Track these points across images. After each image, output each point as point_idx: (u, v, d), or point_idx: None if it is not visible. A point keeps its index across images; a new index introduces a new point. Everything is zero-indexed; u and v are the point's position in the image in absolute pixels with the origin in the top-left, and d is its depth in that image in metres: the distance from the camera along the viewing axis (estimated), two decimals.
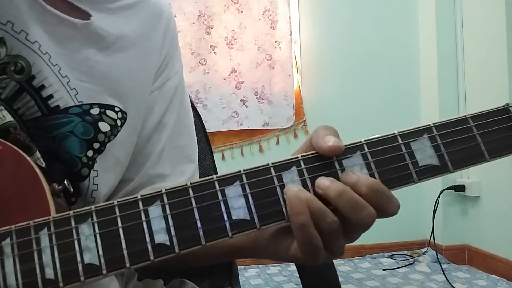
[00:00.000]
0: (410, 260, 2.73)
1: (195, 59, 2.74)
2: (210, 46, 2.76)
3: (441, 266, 2.47)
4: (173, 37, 0.68)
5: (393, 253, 2.84)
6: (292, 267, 2.53)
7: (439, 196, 2.68)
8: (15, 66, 0.51)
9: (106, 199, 0.59)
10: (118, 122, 0.58)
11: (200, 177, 0.66)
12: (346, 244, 0.45)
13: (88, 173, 0.55)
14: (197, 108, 0.97)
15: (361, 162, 0.43)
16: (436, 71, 2.78)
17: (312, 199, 0.41)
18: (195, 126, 0.72)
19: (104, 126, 0.56)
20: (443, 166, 0.43)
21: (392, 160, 0.43)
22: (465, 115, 0.45)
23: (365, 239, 2.69)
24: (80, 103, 0.55)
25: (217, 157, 2.62)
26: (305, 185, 0.42)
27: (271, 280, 2.52)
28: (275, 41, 2.79)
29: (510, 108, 0.45)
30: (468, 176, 2.69)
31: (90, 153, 0.55)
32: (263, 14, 2.78)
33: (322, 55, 2.90)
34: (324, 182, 0.42)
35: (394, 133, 0.44)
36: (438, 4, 2.76)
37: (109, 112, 0.57)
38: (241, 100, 2.78)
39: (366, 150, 0.43)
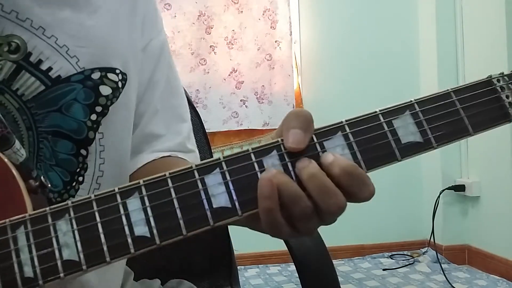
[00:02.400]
0: (410, 260, 2.73)
1: (195, 59, 2.74)
2: (210, 46, 2.76)
3: (441, 266, 2.47)
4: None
5: (393, 253, 2.84)
6: (292, 267, 2.53)
7: (439, 196, 2.68)
8: (9, 46, 0.52)
9: (116, 160, 0.60)
10: (120, 84, 0.59)
11: None
12: (346, 244, 0.44)
13: (94, 136, 0.57)
14: (197, 108, 0.97)
15: (342, 143, 0.42)
16: (436, 71, 2.78)
17: (287, 183, 0.40)
18: (195, 126, 0.73)
19: (105, 90, 0.57)
20: (426, 142, 0.43)
21: (374, 139, 0.42)
22: (448, 89, 0.44)
23: (365, 239, 2.69)
24: (82, 69, 0.55)
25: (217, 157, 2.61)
26: (286, 170, 0.41)
27: (271, 280, 2.52)
28: (275, 41, 2.79)
29: (493, 80, 0.44)
30: (468, 176, 2.69)
31: (93, 117, 0.56)
32: (263, 14, 2.78)
33: (322, 55, 2.90)
34: (302, 163, 0.41)
35: (376, 112, 0.43)
36: (438, 4, 2.75)
37: (110, 75, 0.58)
38: (241, 100, 2.78)
39: (348, 130, 0.43)
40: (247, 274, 2.61)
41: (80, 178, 0.57)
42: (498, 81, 0.44)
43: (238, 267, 0.92)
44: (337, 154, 0.41)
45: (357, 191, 0.41)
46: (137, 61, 0.63)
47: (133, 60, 0.62)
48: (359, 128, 0.43)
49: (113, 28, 0.60)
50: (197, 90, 2.73)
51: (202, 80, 2.74)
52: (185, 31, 2.71)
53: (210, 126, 2.67)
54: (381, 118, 0.43)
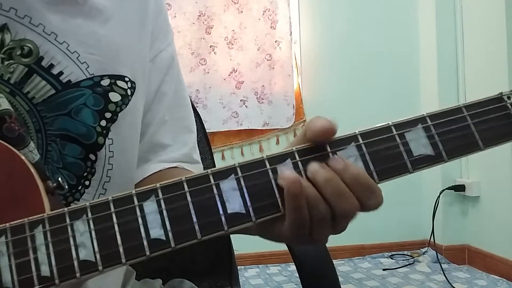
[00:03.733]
0: (410, 260, 2.73)
1: (195, 59, 2.74)
2: (210, 46, 2.76)
3: (441, 266, 2.47)
4: (159, 10, 0.68)
5: (393, 253, 2.84)
6: (292, 267, 2.53)
7: (439, 196, 2.68)
8: (21, 50, 0.53)
9: (124, 166, 0.61)
10: (129, 92, 0.60)
11: None
12: (346, 244, 0.45)
13: (103, 141, 0.58)
14: (197, 108, 0.97)
15: (355, 154, 0.43)
16: (436, 71, 2.77)
17: (309, 187, 0.41)
18: (195, 126, 0.73)
19: (114, 96, 0.58)
20: (438, 155, 0.43)
21: (387, 150, 0.43)
22: (459, 105, 0.45)
23: (365, 239, 2.68)
24: (92, 76, 0.57)
25: (217, 157, 2.62)
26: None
27: (271, 280, 2.52)
28: (275, 41, 2.79)
29: (503, 96, 0.46)
30: (468, 176, 2.69)
31: (103, 123, 0.58)
32: (263, 14, 2.78)
33: (322, 55, 2.90)
34: (314, 166, 0.42)
35: (388, 124, 0.44)
36: (438, 4, 2.76)
37: (119, 83, 0.59)
38: (241, 100, 2.78)
39: (361, 141, 0.43)
40: (247, 274, 2.62)
41: (87, 183, 0.58)
42: (509, 98, 0.46)
43: (238, 267, 0.92)
44: (347, 160, 0.42)
45: (365, 199, 0.42)
46: (145, 71, 0.65)
47: (141, 69, 0.63)
48: (371, 139, 0.43)
49: (123, 38, 0.61)
50: (197, 90, 2.74)
51: (202, 80, 2.74)
52: (185, 31, 2.71)
53: (210, 126, 2.67)
54: (394, 130, 0.44)
